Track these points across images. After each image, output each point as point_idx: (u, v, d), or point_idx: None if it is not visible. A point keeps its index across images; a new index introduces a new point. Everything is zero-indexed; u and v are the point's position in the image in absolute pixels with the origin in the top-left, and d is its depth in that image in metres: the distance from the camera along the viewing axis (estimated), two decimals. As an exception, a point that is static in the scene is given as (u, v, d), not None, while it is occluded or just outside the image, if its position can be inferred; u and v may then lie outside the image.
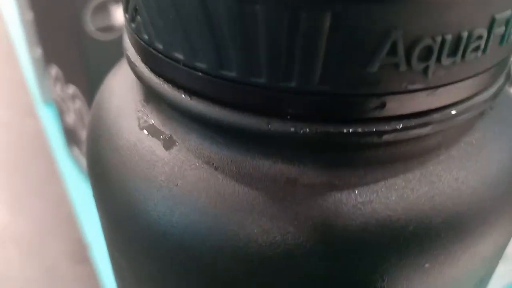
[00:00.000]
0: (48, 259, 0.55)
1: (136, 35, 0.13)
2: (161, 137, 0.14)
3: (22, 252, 0.57)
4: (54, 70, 0.48)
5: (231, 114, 0.12)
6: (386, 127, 0.12)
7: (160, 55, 0.13)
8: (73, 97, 0.46)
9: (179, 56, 0.12)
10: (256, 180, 0.13)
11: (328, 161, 0.13)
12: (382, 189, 0.12)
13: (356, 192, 0.12)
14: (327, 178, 0.12)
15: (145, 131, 0.14)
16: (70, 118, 0.50)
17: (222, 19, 0.11)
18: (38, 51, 0.59)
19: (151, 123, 0.14)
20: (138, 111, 0.15)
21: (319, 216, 0.12)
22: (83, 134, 0.47)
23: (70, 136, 0.53)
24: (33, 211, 0.62)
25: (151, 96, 0.15)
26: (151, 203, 0.13)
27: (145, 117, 0.15)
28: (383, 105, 0.11)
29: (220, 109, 0.12)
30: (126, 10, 0.14)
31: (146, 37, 0.13)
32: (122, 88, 0.16)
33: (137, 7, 0.13)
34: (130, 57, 0.14)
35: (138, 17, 0.13)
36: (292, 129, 0.12)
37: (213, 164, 0.13)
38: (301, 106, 0.11)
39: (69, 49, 0.41)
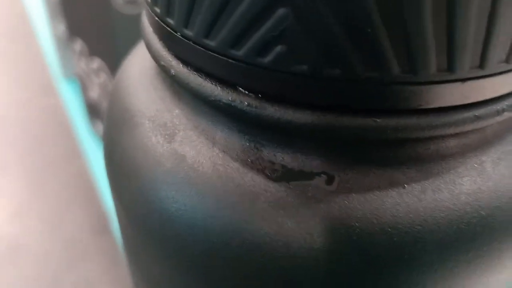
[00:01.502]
0: (69, 231, 0.56)
1: (151, 10, 0.13)
2: (176, 120, 0.13)
3: (43, 225, 0.57)
4: (78, 44, 0.49)
5: (246, 100, 0.11)
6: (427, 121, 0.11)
7: (174, 33, 0.12)
8: (98, 71, 0.46)
9: (191, 33, 0.12)
10: (271, 170, 0.12)
11: (350, 157, 0.12)
12: (412, 190, 0.12)
13: (381, 192, 0.12)
14: (347, 175, 0.12)
15: (159, 114, 0.14)
16: (94, 92, 0.50)
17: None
18: (61, 27, 0.59)
19: (165, 105, 0.14)
20: (152, 90, 0.15)
21: (334, 215, 0.11)
22: (106, 109, 0.48)
23: (93, 110, 0.53)
24: (54, 186, 0.62)
25: (167, 78, 0.14)
26: (163, 186, 0.13)
27: (159, 100, 0.14)
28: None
29: (234, 93, 0.12)
30: None
31: (160, 12, 0.12)
32: (138, 69, 0.16)
33: None
34: (147, 36, 0.14)
35: None
36: (315, 121, 0.11)
37: (225, 149, 0.12)
38: (331, 95, 0.11)
39: (95, 23, 0.42)
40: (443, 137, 0.12)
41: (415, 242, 0.11)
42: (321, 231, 0.11)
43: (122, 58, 0.42)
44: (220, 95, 0.12)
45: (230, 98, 0.12)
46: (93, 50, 0.45)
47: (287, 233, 0.12)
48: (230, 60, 0.11)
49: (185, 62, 0.13)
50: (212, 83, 0.12)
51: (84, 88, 0.53)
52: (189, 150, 0.13)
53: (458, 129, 0.11)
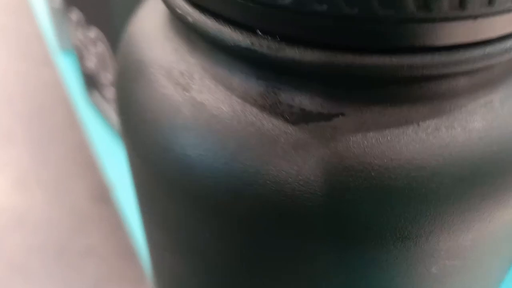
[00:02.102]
0: (71, 200, 0.56)
1: None
2: (192, 69, 0.14)
3: (44, 195, 0.58)
4: (75, 14, 0.48)
5: (266, 43, 0.12)
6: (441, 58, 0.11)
7: None
8: (95, 40, 0.46)
9: None
10: (289, 113, 0.12)
11: (367, 97, 0.12)
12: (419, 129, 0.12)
13: (395, 131, 0.12)
14: (364, 115, 0.12)
15: (175, 64, 0.14)
16: (91, 62, 0.50)
17: None
18: (56, 2, 0.59)
19: (180, 55, 0.14)
20: (166, 41, 0.15)
21: (353, 153, 0.12)
22: (104, 77, 0.48)
23: (91, 80, 0.53)
24: (54, 157, 0.62)
25: (180, 25, 0.14)
26: (183, 133, 0.13)
27: (174, 51, 0.14)
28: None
29: (253, 37, 0.12)
30: None
31: None
32: (151, 22, 0.16)
33: None
34: None
35: None
36: (334, 61, 0.11)
37: (243, 95, 0.13)
38: (349, 34, 0.11)
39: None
40: (454, 75, 0.12)
41: (432, 176, 0.12)
42: (340, 169, 0.12)
43: (119, 26, 0.42)
44: (239, 40, 0.12)
45: (249, 42, 0.12)
46: (90, 19, 0.45)
47: (307, 172, 0.12)
48: (249, 3, 0.11)
49: (203, 9, 0.13)
50: (230, 29, 0.12)
51: (81, 58, 0.52)
52: (207, 97, 0.13)
53: (469, 67, 0.12)
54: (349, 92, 0.12)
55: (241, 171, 0.12)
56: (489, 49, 0.11)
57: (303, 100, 0.12)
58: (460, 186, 0.12)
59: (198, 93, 0.13)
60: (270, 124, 0.12)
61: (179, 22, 0.14)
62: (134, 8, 0.39)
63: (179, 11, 0.13)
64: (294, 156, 0.12)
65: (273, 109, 0.12)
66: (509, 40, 0.12)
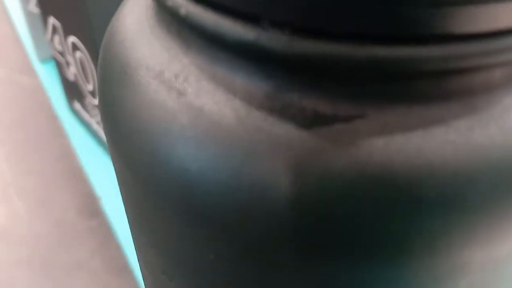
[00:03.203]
0: (56, 213, 0.55)
1: None
2: (186, 70, 0.12)
3: (29, 207, 0.56)
4: (51, 23, 0.47)
5: (273, 36, 0.10)
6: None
7: None
8: (74, 49, 0.45)
9: None
10: (302, 117, 0.11)
11: (388, 95, 0.11)
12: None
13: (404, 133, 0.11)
14: (386, 115, 0.11)
15: (166, 66, 0.13)
16: (71, 71, 0.49)
17: None
18: (33, 6, 0.58)
19: (171, 54, 0.13)
20: (155, 39, 0.13)
21: (376, 160, 0.10)
22: (85, 86, 0.47)
23: (71, 89, 0.52)
24: (37, 167, 0.61)
25: (170, 20, 0.13)
26: (179, 144, 0.12)
27: (165, 51, 0.13)
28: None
29: (258, 30, 0.10)
30: None
31: None
32: (134, 20, 0.15)
33: None
34: None
35: None
36: (353, 53, 0.10)
37: (247, 98, 0.11)
38: (369, 22, 0.09)
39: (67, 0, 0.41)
40: (489, 67, 0.10)
41: (466, 183, 0.10)
42: (364, 179, 0.10)
43: (97, 33, 0.41)
44: (243, 33, 0.10)
45: (254, 36, 0.10)
46: (68, 28, 0.44)
47: (329, 183, 0.10)
48: None
49: None
50: (232, 20, 0.11)
51: (60, 68, 0.51)
52: (206, 102, 0.12)
53: (504, 58, 0.10)
54: (370, 90, 0.11)
55: (251, 184, 0.11)
56: None
57: (316, 101, 0.11)
58: (497, 192, 0.11)
59: (195, 97, 0.12)
60: (281, 129, 0.11)
61: (169, 16, 0.13)
62: (111, 15, 0.39)
63: (169, 3, 0.12)
64: (311, 166, 0.10)
65: (283, 112, 0.11)
66: None
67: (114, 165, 0.15)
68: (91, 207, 0.54)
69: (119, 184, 0.16)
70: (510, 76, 0.11)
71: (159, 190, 0.13)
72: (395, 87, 0.10)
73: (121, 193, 0.16)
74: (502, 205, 0.11)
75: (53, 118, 0.62)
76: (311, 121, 0.11)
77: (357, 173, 0.10)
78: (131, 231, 0.17)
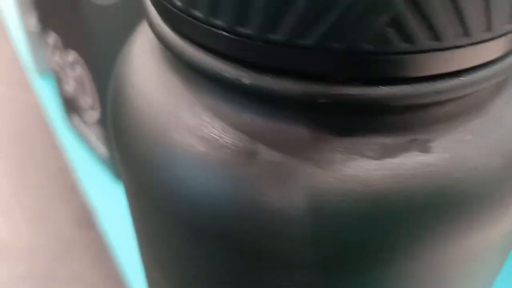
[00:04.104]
0: (55, 226, 0.55)
1: None
2: (183, 99, 0.13)
3: (28, 221, 0.57)
4: (51, 38, 0.48)
5: (252, 74, 0.11)
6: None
7: (178, 12, 0.12)
8: (73, 64, 0.45)
9: (198, 13, 0.11)
10: (279, 144, 0.12)
11: (351, 125, 0.12)
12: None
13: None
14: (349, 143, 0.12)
15: (166, 94, 0.14)
16: (70, 86, 0.49)
17: None
18: (33, 22, 0.58)
19: (171, 85, 0.14)
20: (158, 73, 0.14)
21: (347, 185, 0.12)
22: (84, 101, 0.47)
23: (70, 104, 0.52)
24: (36, 182, 0.61)
25: (171, 56, 0.14)
26: (170, 164, 0.13)
27: (165, 79, 0.14)
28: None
29: (240, 69, 0.12)
30: None
31: None
32: (143, 49, 0.16)
33: None
34: (150, 14, 0.14)
35: None
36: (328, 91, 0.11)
37: (234, 125, 0.12)
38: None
39: (67, 15, 0.41)
40: (424, 106, 0.12)
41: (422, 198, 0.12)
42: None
43: (98, 49, 0.41)
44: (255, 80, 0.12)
45: (252, 80, 0.12)
46: (67, 43, 0.44)
47: (344, 208, 0.12)
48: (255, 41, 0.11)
49: (203, 47, 0.12)
50: (239, 68, 0.12)
51: (59, 82, 0.52)
52: (217, 134, 0.13)
53: (438, 98, 0.11)
54: (335, 120, 0.12)
55: (265, 211, 0.12)
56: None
57: (296, 132, 0.12)
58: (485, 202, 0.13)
59: (186, 123, 0.13)
60: (278, 157, 0.12)
61: (176, 59, 0.14)
62: (112, 30, 0.39)
63: (185, 57, 0.13)
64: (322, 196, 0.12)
65: (274, 141, 0.12)
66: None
67: (125, 191, 0.16)
68: (88, 220, 0.54)
69: (129, 208, 0.17)
70: (446, 113, 0.12)
71: (174, 216, 0.14)
72: (355, 119, 0.12)
73: (130, 216, 0.17)
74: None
75: (51, 134, 0.63)
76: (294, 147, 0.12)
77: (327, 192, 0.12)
78: (139, 253, 0.18)
